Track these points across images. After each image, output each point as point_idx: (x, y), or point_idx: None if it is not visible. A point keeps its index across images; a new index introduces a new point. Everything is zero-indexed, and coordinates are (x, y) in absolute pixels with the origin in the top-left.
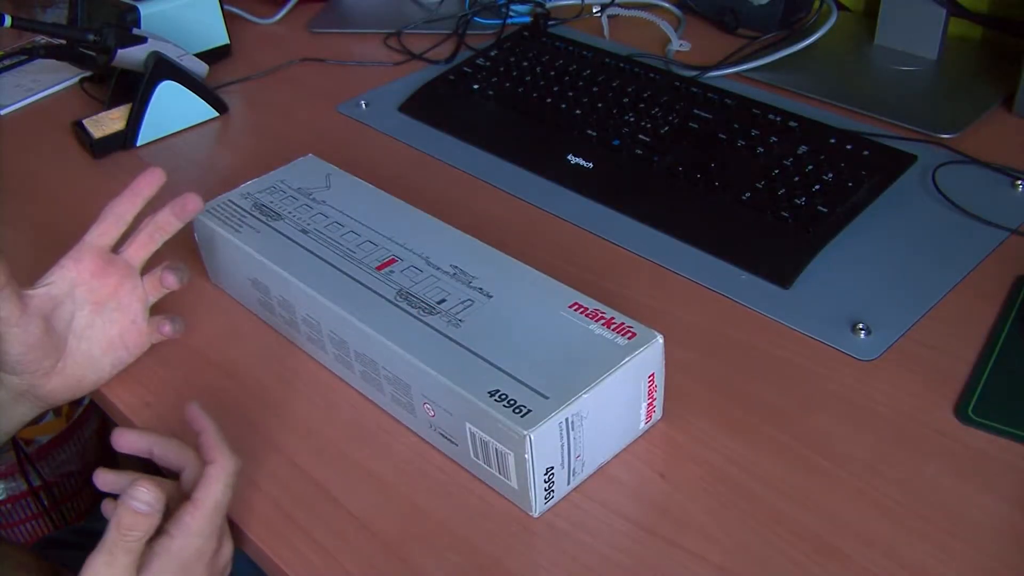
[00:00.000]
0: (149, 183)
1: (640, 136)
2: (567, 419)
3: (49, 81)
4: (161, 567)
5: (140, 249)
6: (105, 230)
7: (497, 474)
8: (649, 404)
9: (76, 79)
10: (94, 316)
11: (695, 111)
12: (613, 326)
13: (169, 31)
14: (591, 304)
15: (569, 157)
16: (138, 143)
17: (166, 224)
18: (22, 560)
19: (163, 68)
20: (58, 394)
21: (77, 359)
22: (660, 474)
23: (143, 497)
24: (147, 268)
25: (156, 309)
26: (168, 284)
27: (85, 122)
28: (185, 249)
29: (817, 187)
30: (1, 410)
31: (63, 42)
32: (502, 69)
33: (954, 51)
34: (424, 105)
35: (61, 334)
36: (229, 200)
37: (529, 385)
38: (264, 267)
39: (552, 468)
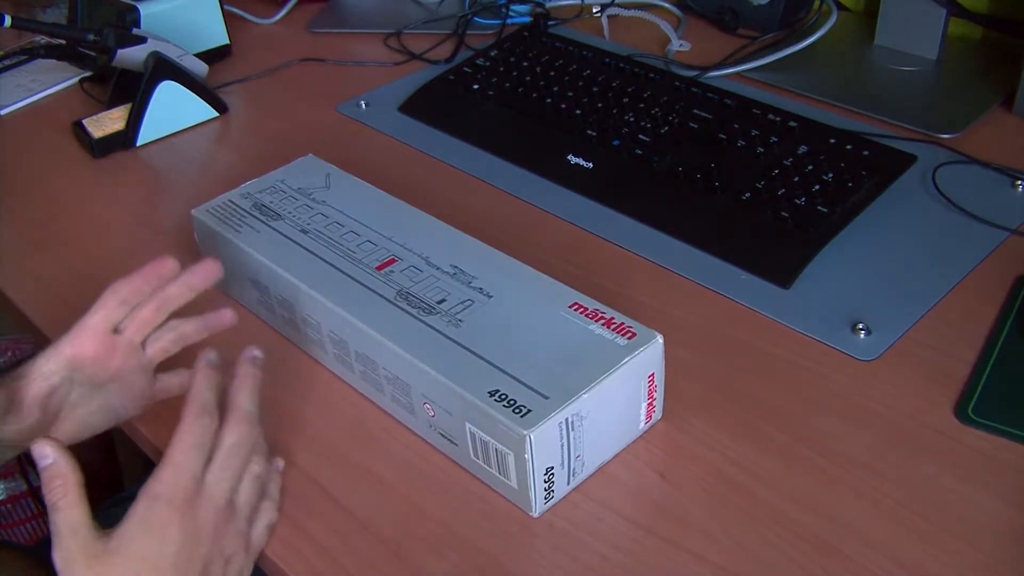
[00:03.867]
0: (159, 274)
1: (640, 136)
2: (567, 419)
3: (49, 81)
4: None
5: (144, 326)
6: (107, 314)
7: (497, 474)
8: (649, 404)
9: (76, 79)
10: (93, 391)
11: (695, 111)
12: (613, 326)
13: (169, 31)
14: (591, 304)
15: (569, 157)
16: (138, 143)
17: (175, 298)
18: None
19: (163, 68)
20: None
21: (73, 421)
22: (660, 474)
23: (39, 451)
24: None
25: None
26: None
27: (85, 122)
28: (185, 249)
29: (817, 187)
30: None
31: (63, 42)
32: (502, 69)
33: (954, 51)
34: (424, 105)
35: (55, 410)
36: (229, 200)
37: (529, 385)
38: (264, 267)
39: (552, 468)
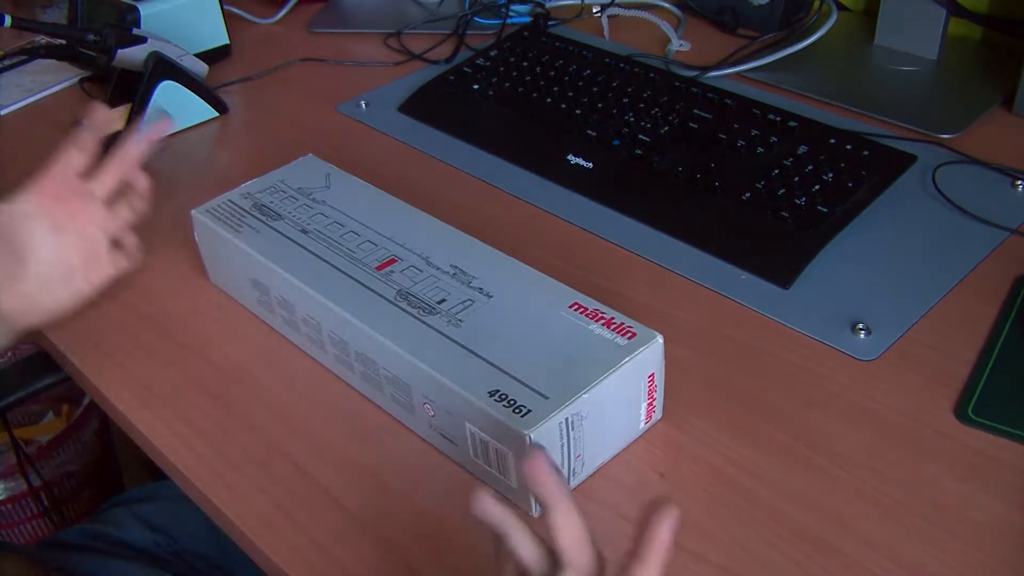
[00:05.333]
0: (102, 120)
1: (640, 136)
2: (567, 419)
3: (49, 81)
4: None
5: (106, 178)
6: (67, 158)
7: (497, 474)
8: (649, 404)
9: (76, 79)
10: (53, 239)
11: (695, 111)
12: (613, 326)
13: (169, 31)
14: (591, 304)
15: (569, 157)
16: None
17: (131, 152)
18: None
19: (163, 68)
20: (16, 315)
21: (34, 280)
22: (660, 474)
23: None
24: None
25: (156, 300)
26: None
27: (85, 122)
28: (185, 249)
29: (817, 187)
30: None
31: (63, 42)
32: (502, 69)
33: (954, 51)
34: (424, 105)
35: (18, 252)
36: (229, 200)
37: (529, 385)
38: (264, 267)
39: None
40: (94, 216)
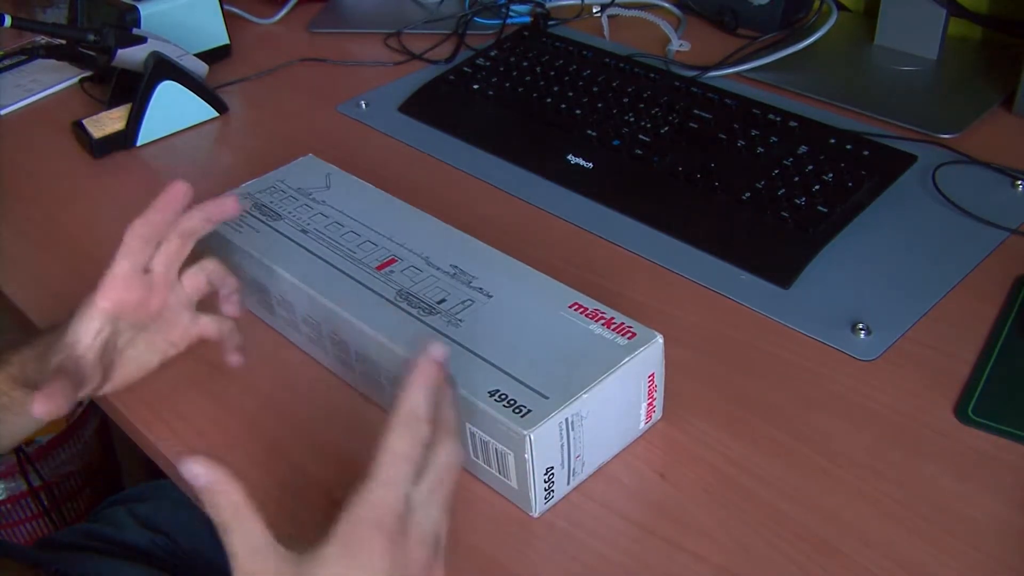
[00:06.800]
0: (172, 203)
1: (640, 136)
2: (567, 419)
3: (49, 81)
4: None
5: (173, 260)
6: (132, 257)
7: (497, 474)
8: (649, 404)
9: (76, 79)
10: (137, 335)
11: (695, 111)
12: (613, 326)
13: (169, 31)
14: (591, 304)
15: (569, 157)
16: (138, 143)
17: (197, 228)
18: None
19: (163, 68)
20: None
21: (126, 365)
22: (660, 474)
23: (189, 472)
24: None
25: None
26: (230, 312)
27: (85, 122)
28: None
29: (817, 187)
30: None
31: (63, 42)
32: (502, 69)
33: (954, 51)
34: (424, 105)
35: (109, 362)
36: None
37: (529, 385)
38: (264, 267)
39: (552, 468)
40: (177, 302)
